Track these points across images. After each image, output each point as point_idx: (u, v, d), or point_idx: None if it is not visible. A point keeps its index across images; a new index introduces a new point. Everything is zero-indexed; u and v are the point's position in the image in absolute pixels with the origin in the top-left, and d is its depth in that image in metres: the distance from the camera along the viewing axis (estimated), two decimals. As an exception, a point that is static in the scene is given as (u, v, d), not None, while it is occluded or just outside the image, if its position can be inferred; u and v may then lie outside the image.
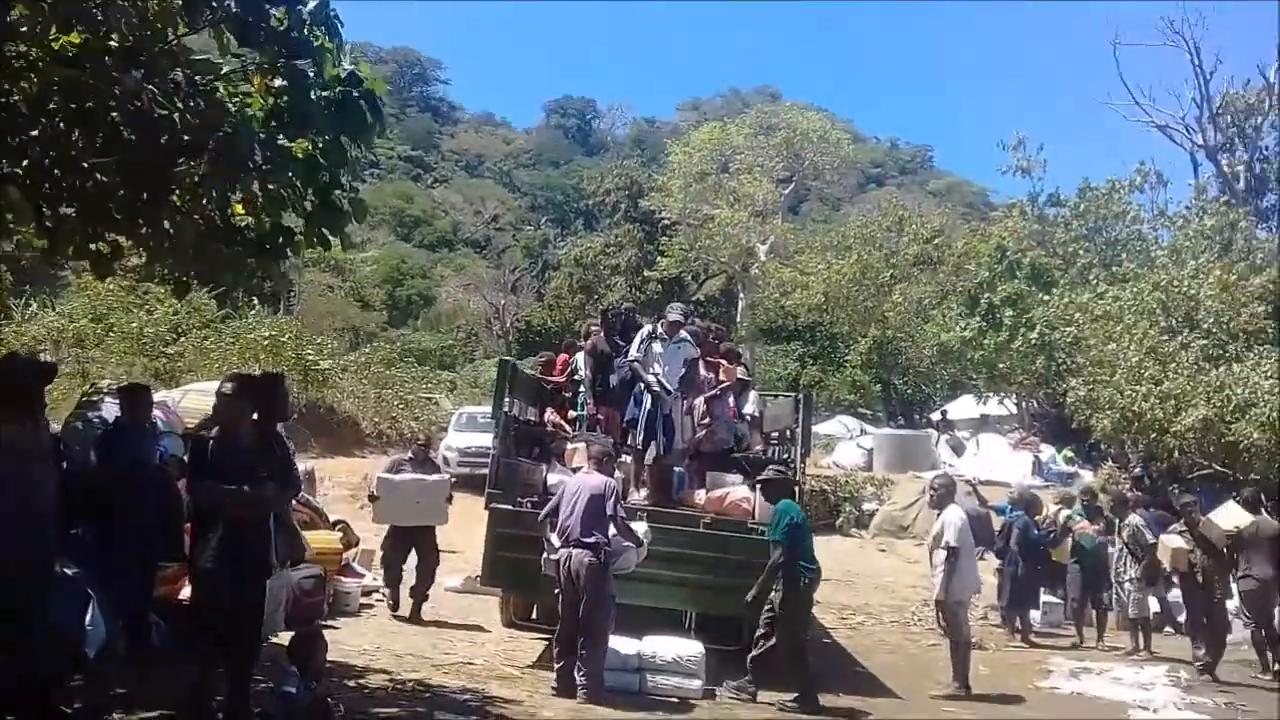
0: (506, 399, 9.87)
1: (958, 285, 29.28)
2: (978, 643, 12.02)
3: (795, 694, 8.30)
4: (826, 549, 19.03)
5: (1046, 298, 24.09)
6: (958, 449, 25.64)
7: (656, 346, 10.33)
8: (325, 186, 6.35)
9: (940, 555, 9.25)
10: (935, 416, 30.75)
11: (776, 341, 43.43)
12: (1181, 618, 13.09)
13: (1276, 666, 10.56)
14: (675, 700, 8.15)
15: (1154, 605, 12.41)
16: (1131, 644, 11.94)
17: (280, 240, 6.57)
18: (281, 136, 6.03)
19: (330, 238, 6.57)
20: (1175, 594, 13.66)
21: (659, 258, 45.29)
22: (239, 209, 6.42)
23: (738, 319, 40.78)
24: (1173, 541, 11.07)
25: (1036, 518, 13.04)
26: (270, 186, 6.25)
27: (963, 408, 31.80)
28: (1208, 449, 17.67)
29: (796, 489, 9.36)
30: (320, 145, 6.22)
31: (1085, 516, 13.27)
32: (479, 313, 53.44)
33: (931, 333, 29.03)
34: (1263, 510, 10.96)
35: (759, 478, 9.25)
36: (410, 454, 11.62)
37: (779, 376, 38.91)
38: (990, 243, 27.66)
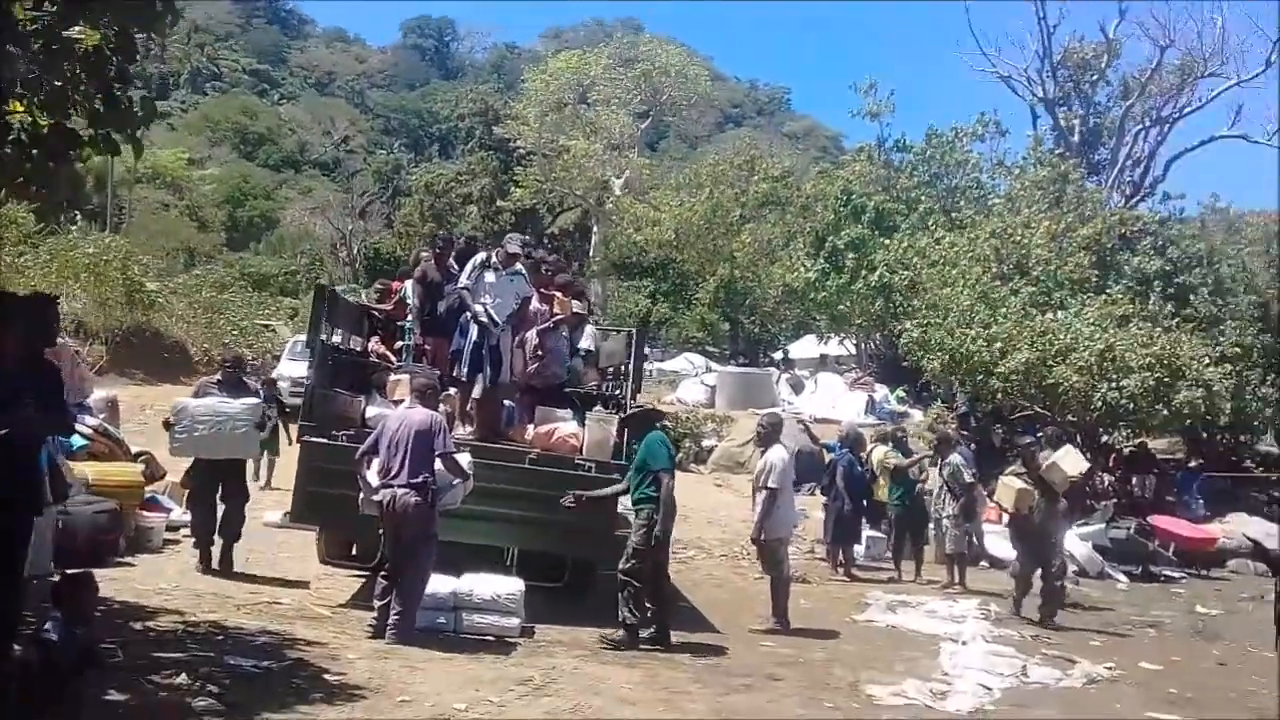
0: (325, 327, 9.37)
1: (805, 227, 29.67)
2: (802, 577, 12.30)
3: (621, 629, 8.25)
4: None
5: (888, 242, 24.59)
6: (797, 387, 26.18)
7: (489, 276, 9.92)
8: (111, 82, 5.76)
9: (762, 495, 9.27)
10: (778, 356, 31.35)
11: (629, 278, 43.34)
12: (995, 552, 13.70)
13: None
14: (491, 639, 7.93)
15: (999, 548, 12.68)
16: (947, 578, 12.35)
17: (62, 142, 5.93)
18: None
19: (118, 141, 6.01)
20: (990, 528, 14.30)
21: (513, 188, 44.50)
22: (17, 106, 5.76)
23: (590, 253, 40.57)
24: (1015, 483, 10.71)
25: (861, 455, 13.28)
26: (48, 81, 5.62)
27: (805, 348, 32.48)
28: (1029, 391, 18.39)
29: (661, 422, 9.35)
30: (106, 36, 5.62)
31: (901, 454, 13.57)
32: (325, 238, 51.59)
33: (778, 274, 29.40)
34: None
35: (626, 414, 9.18)
36: (219, 376, 10.45)
37: (630, 313, 38.92)
38: (836, 185, 28.04)
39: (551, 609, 8.68)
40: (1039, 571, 10.52)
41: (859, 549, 13.69)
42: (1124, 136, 30.71)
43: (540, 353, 10.42)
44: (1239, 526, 17.64)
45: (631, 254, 38.57)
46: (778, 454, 9.40)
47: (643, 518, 8.34)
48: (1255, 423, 24.09)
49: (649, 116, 42.24)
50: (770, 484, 9.23)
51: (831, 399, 24.35)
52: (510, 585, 8.34)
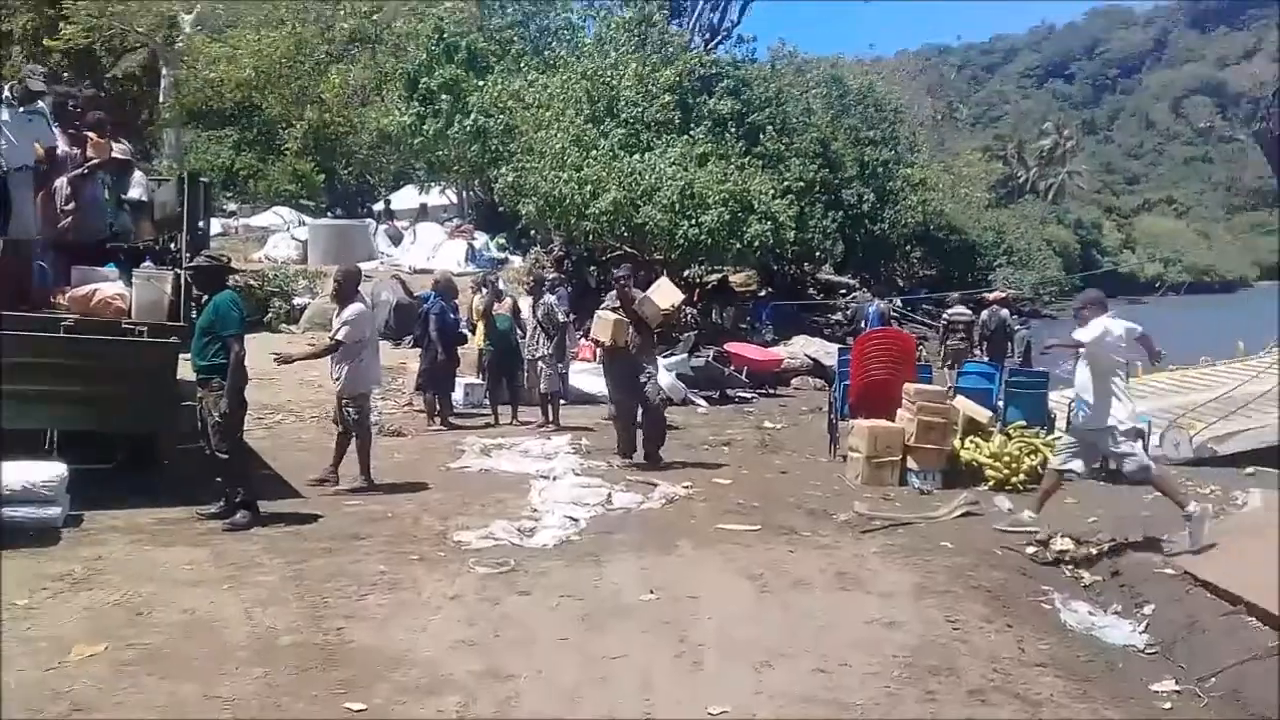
0: None
1: (398, 69, 28.23)
2: (398, 430, 12.02)
3: (223, 503, 7.59)
4: (252, 346, 18.07)
5: (482, 84, 23.95)
6: (396, 239, 25.42)
7: (4, 114, 8.34)
8: None
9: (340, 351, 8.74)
10: (378, 207, 30.16)
11: (210, 127, 39.40)
12: (586, 389, 14.11)
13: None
14: (32, 533, 6.91)
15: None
16: (542, 418, 12.56)
17: None
18: None
19: None
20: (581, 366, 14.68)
21: (63, 24, 38.45)
22: None
23: (161, 99, 36.30)
24: (610, 316, 10.19)
25: (455, 302, 13.01)
26: None
27: (407, 198, 31.46)
28: (619, 231, 18.92)
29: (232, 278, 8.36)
30: None
31: (496, 297, 13.48)
32: None
33: (371, 118, 27.94)
34: None
35: (190, 265, 8.08)
36: None
37: (212, 165, 35.57)
38: (429, 24, 26.74)
39: (109, 492, 7.73)
40: (639, 408, 10.31)
41: (457, 397, 13.57)
42: (703, -21, 31.65)
43: (73, 204, 9.00)
44: (801, 348, 19.50)
45: (208, 99, 34.92)
46: (354, 309, 8.82)
47: (214, 387, 7.54)
48: (817, 253, 26.61)
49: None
50: (341, 338, 8.69)
51: (431, 249, 23.86)
52: (48, 471, 7.27)
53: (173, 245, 9.57)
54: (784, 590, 6.24)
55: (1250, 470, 10.58)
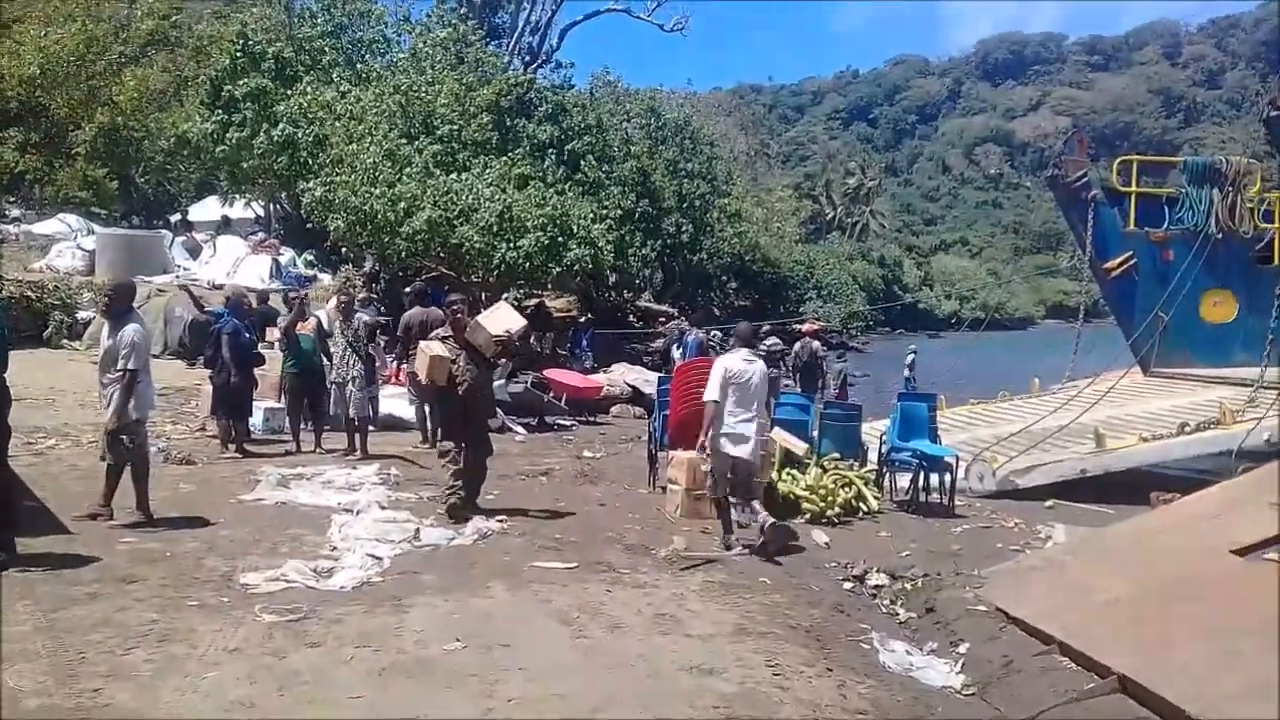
0: None
1: (199, 74, 26.68)
2: (187, 457, 11.07)
3: None
4: (28, 364, 16.50)
5: (290, 93, 22.86)
6: (194, 252, 23.96)
7: None
8: None
9: (113, 375, 7.83)
10: (175, 218, 28.40)
11: (-6, 127, 36.30)
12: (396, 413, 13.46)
13: None
14: None
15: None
16: (348, 445, 11.83)
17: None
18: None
19: None
20: (391, 390, 14.01)
21: None
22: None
23: (-68, 95, 33.18)
24: (435, 348, 8.96)
25: (249, 320, 12.13)
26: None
27: (209, 210, 29.76)
28: (434, 251, 18.30)
29: None
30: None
31: (300, 315, 12.66)
32: None
33: (169, 123, 26.27)
34: None
35: None
36: None
37: (-5, 168, 32.72)
38: (232, 29, 25.38)
39: None
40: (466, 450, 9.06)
41: (255, 422, 12.67)
42: (522, 1, 31.42)
43: None
44: (622, 375, 19.35)
45: (-9, 97, 32.18)
46: (134, 331, 7.89)
47: None
48: (637, 281, 26.69)
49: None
50: (131, 365, 7.78)
51: (232, 264, 22.54)
52: None
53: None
54: (601, 635, 5.87)
55: (1050, 503, 10.95)
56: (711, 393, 8.10)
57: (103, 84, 27.83)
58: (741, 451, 8.15)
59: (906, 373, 23.66)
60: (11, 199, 31.20)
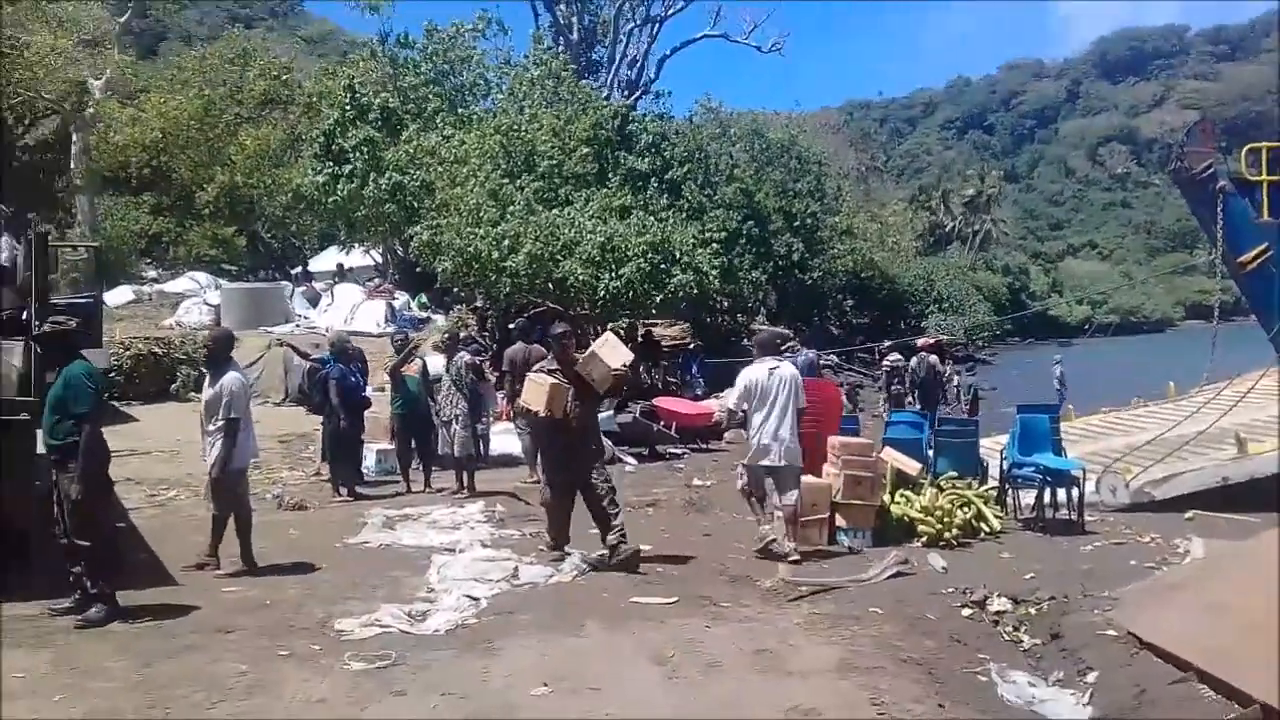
0: None
1: (311, 129, 27.61)
2: (300, 503, 11.21)
3: (78, 596, 6.77)
4: (156, 418, 17.12)
5: (396, 142, 23.40)
6: (314, 301, 24.64)
7: None
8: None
9: (216, 424, 7.95)
10: (297, 270, 29.39)
11: (125, 193, 38.35)
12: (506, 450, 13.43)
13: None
14: None
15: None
16: (456, 484, 11.82)
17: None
18: None
19: None
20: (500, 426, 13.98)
21: (-33, 95, 37.25)
22: None
23: (73, 166, 35.22)
24: (546, 380, 8.32)
25: (354, 365, 12.28)
26: None
27: (329, 260, 30.75)
28: (539, 285, 18.35)
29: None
30: None
31: (407, 358, 12.77)
32: None
33: (285, 179, 27.23)
34: None
35: (37, 333, 7.26)
36: None
37: (130, 231, 34.51)
38: (340, 83, 26.18)
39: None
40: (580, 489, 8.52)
41: (368, 464, 12.81)
42: (618, 35, 31.61)
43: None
44: (730, 400, 18.97)
45: (117, 162, 33.97)
46: (234, 380, 8.04)
47: (69, 469, 6.74)
48: (749, 305, 26.35)
49: (128, 8, 37.06)
50: (232, 414, 7.91)
51: (349, 310, 23.11)
52: None
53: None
54: (695, 675, 5.57)
55: (1190, 515, 10.17)
56: (730, 402, 8.67)
57: (222, 145, 29.03)
58: (773, 460, 8.46)
59: (1057, 385, 23.24)
60: (148, 260, 32.81)
